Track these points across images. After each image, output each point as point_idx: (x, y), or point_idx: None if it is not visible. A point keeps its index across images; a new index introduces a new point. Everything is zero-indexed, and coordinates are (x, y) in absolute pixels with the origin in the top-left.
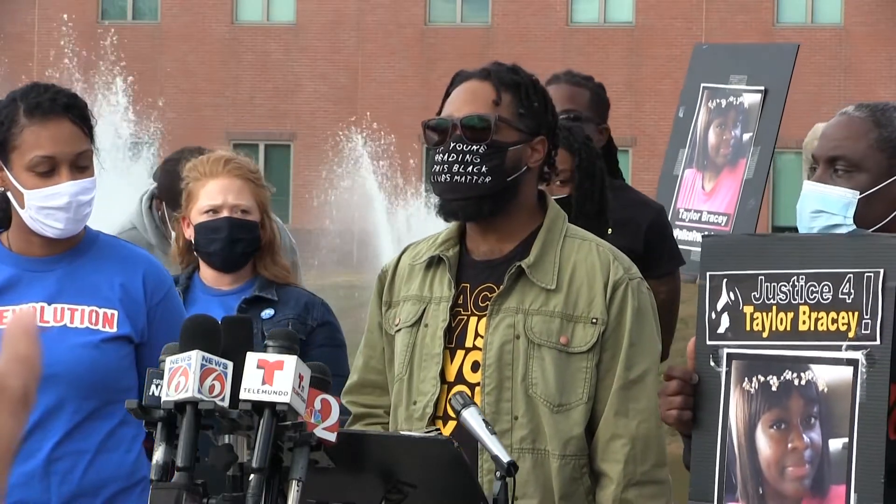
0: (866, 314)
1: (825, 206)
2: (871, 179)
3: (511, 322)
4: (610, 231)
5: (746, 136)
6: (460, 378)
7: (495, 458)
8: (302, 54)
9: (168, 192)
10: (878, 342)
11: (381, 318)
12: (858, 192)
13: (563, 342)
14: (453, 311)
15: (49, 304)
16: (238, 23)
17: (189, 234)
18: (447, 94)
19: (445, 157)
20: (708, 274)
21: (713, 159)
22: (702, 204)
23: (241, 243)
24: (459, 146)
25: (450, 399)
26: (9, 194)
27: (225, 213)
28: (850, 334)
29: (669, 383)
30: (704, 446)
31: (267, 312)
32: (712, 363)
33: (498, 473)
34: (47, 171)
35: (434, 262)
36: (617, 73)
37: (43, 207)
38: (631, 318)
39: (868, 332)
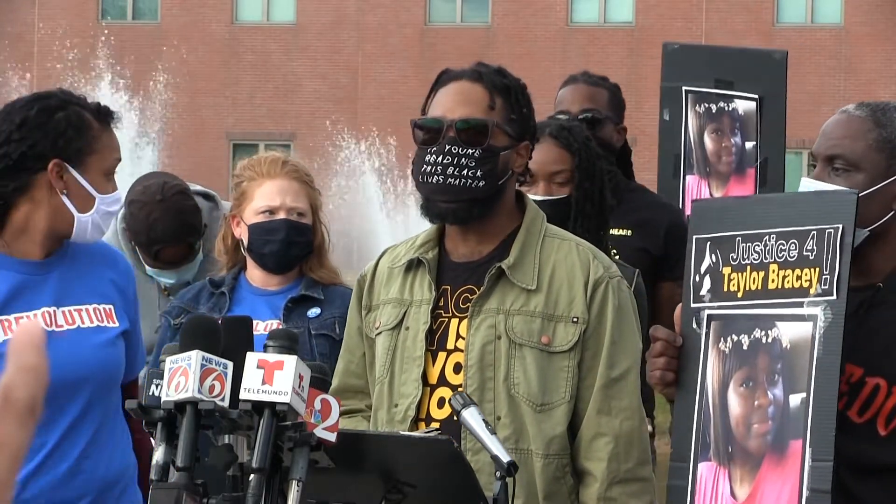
0: (826, 270)
1: None
2: (868, 180)
3: (492, 323)
4: (630, 233)
5: (749, 145)
6: (442, 380)
7: (495, 458)
8: (302, 54)
9: (136, 235)
10: (834, 297)
11: (360, 323)
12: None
13: (545, 342)
14: (434, 313)
15: (59, 308)
16: (238, 23)
17: (239, 232)
18: (432, 92)
19: (439, 158)
20: (694, 237)
21: (716, 166)
22: None
23: (297, 246)
24: (455, 148)
25: (450, 399)
26: (64, 198)
27: (282, 215)
28: (812, 290)
29: (654, 345)
30: (685, 407)
31: (313, 311)
32: (694, 325)
33: (498, 473)
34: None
35: (413, 265)
36: (617, 73)
37: (108, 212)
38: (612, 316)
39: (826, 287)
